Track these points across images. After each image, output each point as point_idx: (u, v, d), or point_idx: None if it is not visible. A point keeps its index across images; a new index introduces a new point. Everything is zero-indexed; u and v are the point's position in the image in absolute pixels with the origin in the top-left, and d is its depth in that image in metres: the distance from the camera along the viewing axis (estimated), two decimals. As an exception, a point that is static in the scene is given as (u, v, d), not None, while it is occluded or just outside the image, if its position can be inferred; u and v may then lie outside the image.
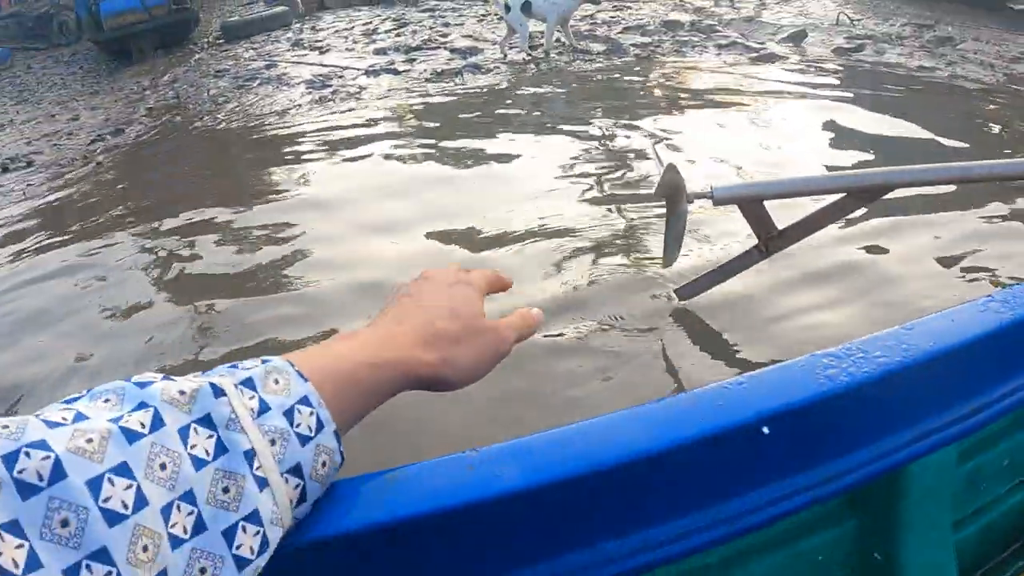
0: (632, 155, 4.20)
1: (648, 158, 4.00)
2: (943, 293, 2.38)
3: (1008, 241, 2.79)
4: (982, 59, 7.29)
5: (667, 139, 4.52)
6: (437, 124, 5.58)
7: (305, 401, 0.55)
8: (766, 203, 1.61)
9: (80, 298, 3.16)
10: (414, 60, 8.16)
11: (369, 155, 4.85)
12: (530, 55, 7.75)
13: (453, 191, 3.94)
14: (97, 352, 2.64)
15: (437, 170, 4.39)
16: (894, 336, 0.78)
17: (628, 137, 4.60)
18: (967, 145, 4.34)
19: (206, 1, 19.94)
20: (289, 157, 5.26)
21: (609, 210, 3.36)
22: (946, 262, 2.61)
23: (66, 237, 4.09)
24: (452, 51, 8.44)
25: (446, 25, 10.67)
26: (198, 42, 13.53)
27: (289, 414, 0.54)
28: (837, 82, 6.26)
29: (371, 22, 12.00)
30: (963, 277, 2.53)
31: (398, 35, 10.36)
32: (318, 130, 5.82)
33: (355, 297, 2.74)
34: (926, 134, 4.52)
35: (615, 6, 10.66)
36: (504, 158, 4.38)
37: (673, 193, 1.39)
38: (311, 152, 5.28)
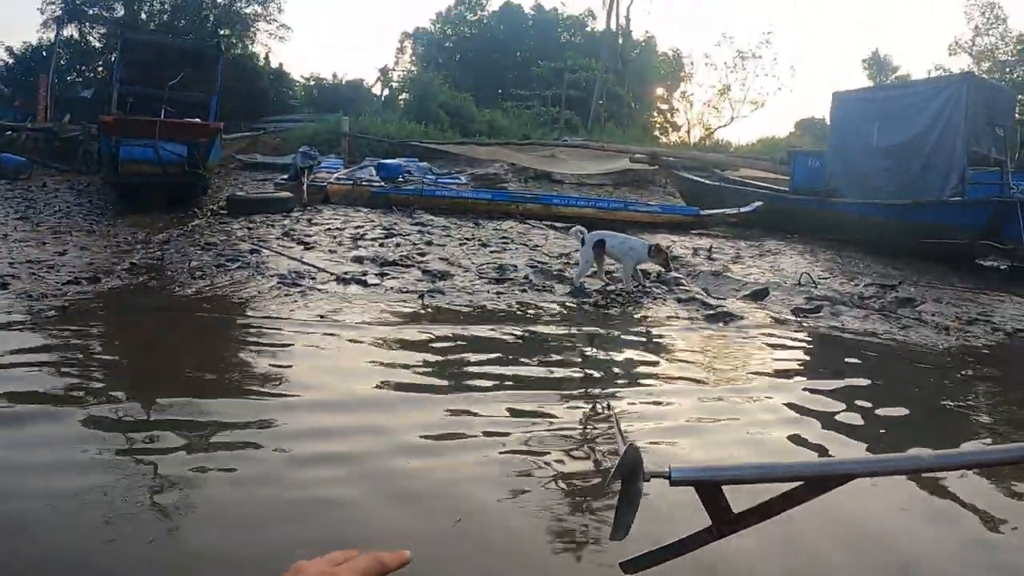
0: (590, 425, 4.58)
1: (607, 431, 4.33)
2: None
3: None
4: (939, 321, 7.75)
5: (617, 400, 5.01)
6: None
7: None
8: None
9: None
10: (386, 275, 8.75)
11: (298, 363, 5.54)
12: (584, 292, 8.38)
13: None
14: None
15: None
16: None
17: (587, 403, 5.02)
18: (906, 412, 4.96)
19: (226, 171, 21.32)
20: (231, 346, 5.97)
21: (559, 474, 3.80)
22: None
23: None
24: (425, 272, 9.00)
25: (428, 244, 11.33)
26: (204, 208, 14.49)
27: None
28: (788, 348, 6.67)
29: (363, 226, 12.80)
30: None
31: (382, 245, 11.05)
32: (270, 327, 6.57)
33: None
34: (867, 404, 5.06)
35: None
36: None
37: (630, 471, 1.33)
38: (251, 346, 5.98)
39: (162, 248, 10.05)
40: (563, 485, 3.74)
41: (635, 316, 7.59)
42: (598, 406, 4.91)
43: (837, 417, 4.89)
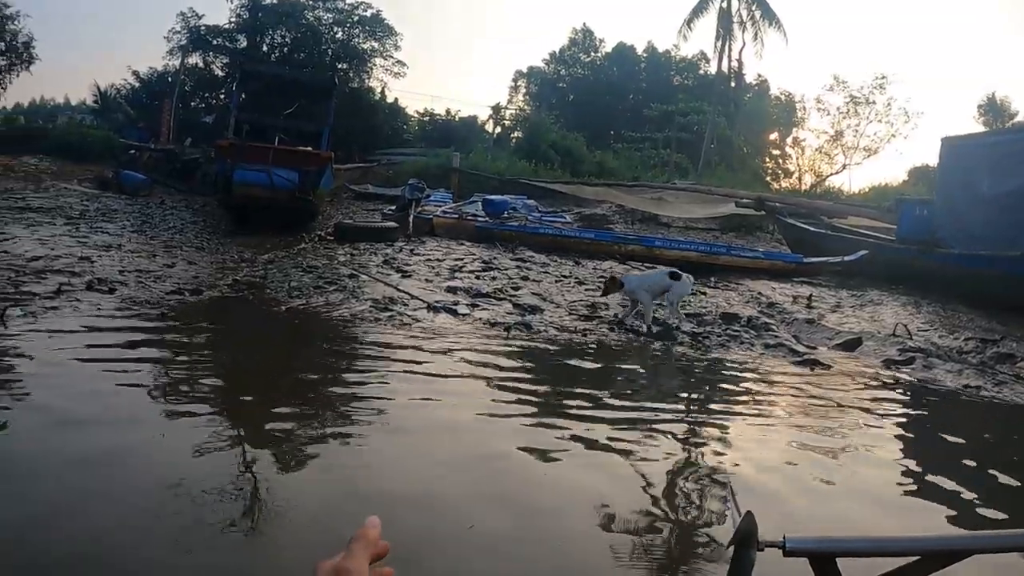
0: (688, 479, 4.42)
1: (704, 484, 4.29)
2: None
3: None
4: (1039, 379, 7.29)
5: (704, 446, 4.92)
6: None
7: None
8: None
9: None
10: (477, 306, 8.83)
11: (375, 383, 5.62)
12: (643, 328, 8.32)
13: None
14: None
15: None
16: None
17: (684, 452, 4.86)
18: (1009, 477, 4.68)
19: (338, 199, 21.93)
20: (321, 363, 6.12)
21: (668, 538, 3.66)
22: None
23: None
24: (516, 305, 9.04)
25: (524, 279, 11.38)
26: (312, 233, 14.94)
27: None
28: (875, 399, 6.39)
29: (462, 258, 12.98)
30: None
31: (478, 277, 11.16)
32: (353, 345, 6.70)
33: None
34: (969, 463, 4.91)
35: (691, 291, 11.19)
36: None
37: (745, 538, 1.34)
38: (327, 361, 6.11)
39: (265, 268, 10.40)
40: (670, 544, 3.61)
41: (719, 360, 7.41)
42: (707, 469, 4.61)
43: (934, 475, 4.69)
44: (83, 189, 20.01)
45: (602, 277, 12.08)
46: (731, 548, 1.34)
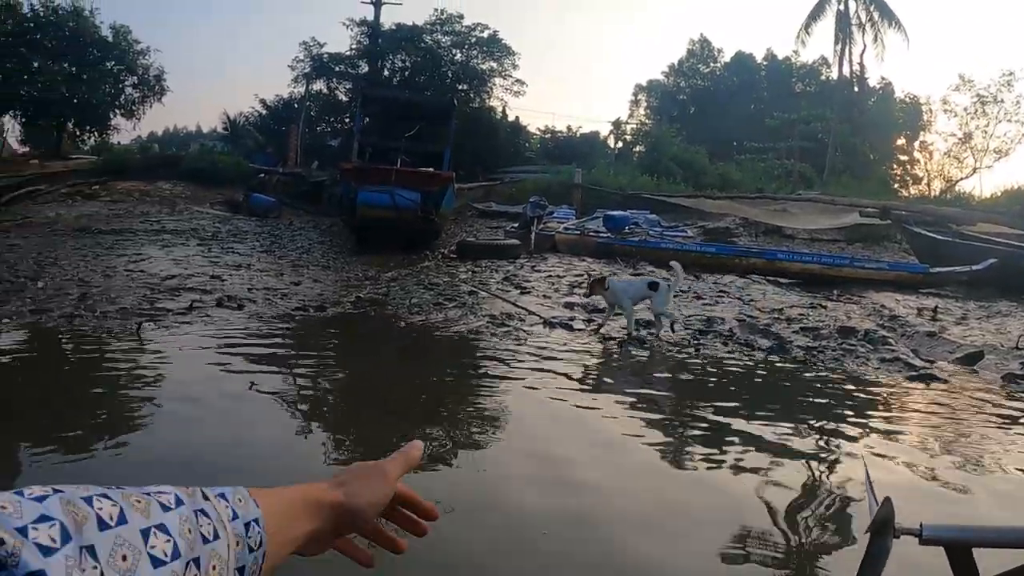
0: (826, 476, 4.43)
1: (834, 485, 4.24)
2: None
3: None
4: None
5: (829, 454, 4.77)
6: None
7: (257, 522, 0.71)
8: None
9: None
10: (592, 321, 8.77)
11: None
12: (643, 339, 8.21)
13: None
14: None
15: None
16: None
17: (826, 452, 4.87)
18: None
19: (461, 218, 22.21)
20: (434, 375, 6.18)
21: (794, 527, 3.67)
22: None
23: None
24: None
25: None
26: (435, 251, 15.22)
27: (247, 527, 0.70)
28: (991, 413, 6.04)
29: (582, 274, 12.85)
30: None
31: None
32: (471, 357, 6.76)
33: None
34: None
35: (810, 304, 10.92)
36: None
37: (882, 525, 1.31)
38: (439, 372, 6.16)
39: (388, 285, 10.60)
40: (803, 534, 3.61)
41: (832, 373, 7.11)
42: (844, 457, 4.66)
43: None
44: (215, 212, 20.94)
45: (722, 291, 11.80)
46: (867, 536, 1.31)
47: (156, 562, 0.56)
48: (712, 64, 60.87)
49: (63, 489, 0.54)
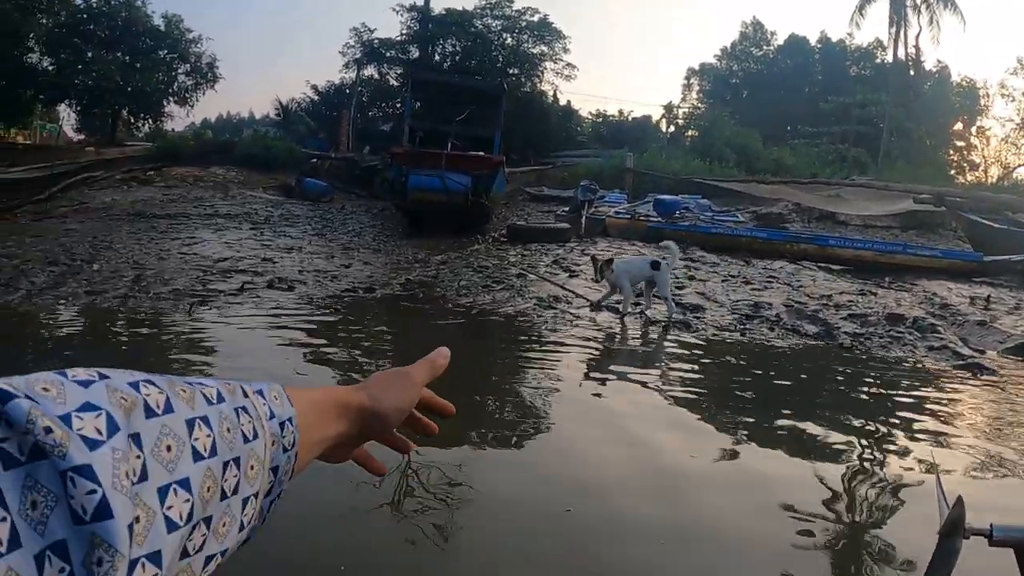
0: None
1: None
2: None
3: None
4: None
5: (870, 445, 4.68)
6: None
7: (291, 421, 0.70)
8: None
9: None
10: (639, 304, 8.69)
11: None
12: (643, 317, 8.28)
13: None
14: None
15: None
16: None
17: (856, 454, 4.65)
18: None
19: (513, 201, 22.18)
20: (479, 354, 6.23)
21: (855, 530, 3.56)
22: None
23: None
24: (677, 304, 8.72)
25: (691, 278, 11.15)
26: (486, 235, 15.26)
27: (282, 426, 0.68)
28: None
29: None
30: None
31: None
32: (516, 338, 6.75)
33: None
34: None
35: (860, 291, 10.77)
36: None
37: (952, 526, 1.26)
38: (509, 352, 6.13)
39: (438, 268, 10.64)
40: (868, 535, 3.50)
41: (877, 361, 6.96)
42: (891, 470, 4.37)
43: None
44: (268, 196, 21.20)
45: (772, 277, 11.64)
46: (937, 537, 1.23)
47: (196, 456, 0.54)
48: (765, 47, 60.07)
49: (109, 374, 0.52)
